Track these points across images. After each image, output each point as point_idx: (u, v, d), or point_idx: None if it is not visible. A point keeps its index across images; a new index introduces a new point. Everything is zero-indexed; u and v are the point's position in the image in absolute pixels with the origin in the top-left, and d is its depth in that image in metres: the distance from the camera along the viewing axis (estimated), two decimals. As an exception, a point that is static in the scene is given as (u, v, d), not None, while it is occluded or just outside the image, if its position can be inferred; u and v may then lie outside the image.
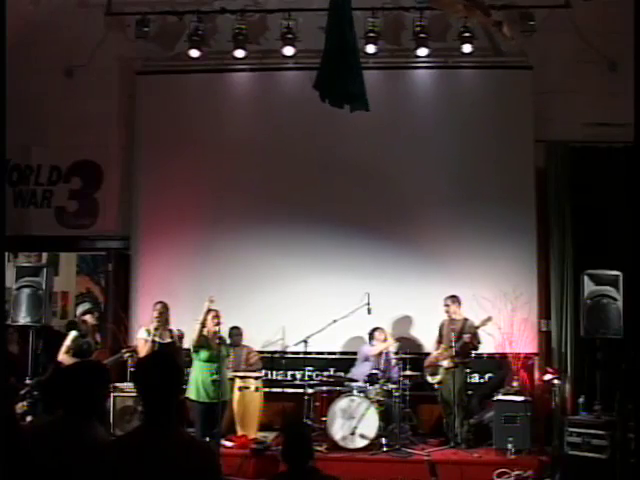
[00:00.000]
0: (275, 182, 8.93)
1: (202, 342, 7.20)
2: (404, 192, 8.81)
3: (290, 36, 8.60)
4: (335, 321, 8.04)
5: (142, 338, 7.51)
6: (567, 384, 8.25)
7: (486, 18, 7.71)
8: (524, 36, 8.49)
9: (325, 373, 8.50)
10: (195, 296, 8.00)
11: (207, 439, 6.70)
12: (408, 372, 7.83)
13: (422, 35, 8.57)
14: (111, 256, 9.35)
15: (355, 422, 7.38)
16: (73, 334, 7.60)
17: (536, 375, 8.43)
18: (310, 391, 7.93)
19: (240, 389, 7.94)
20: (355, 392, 7.61)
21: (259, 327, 8.60)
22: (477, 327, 7.77)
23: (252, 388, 7.98)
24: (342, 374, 8.37)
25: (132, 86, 9.21)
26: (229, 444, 7.58)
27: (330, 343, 8.49)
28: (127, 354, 7.73)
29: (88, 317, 7.85)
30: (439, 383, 7.93)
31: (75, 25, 9.08)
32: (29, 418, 6.82)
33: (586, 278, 7.67)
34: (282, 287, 8.75)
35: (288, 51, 8.67)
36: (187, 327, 7.52)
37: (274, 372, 8.73)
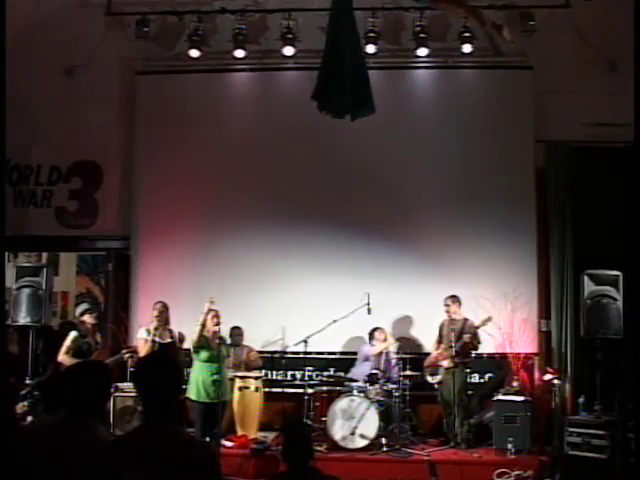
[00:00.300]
0: (275, 182, 8.93)
1: (202, 343, 7.21)
2: (404, 192, 8.82)
3: (290, 36, 8.60)
4: (335, 321, 8.04)
5: (142, 338, 7.52)
6: (567, 384, 8.25)
7: (483, 27, 7.70)
8: (524, 36, 8.49)
9: (325, 373, 8.51)
10: (195, 296, 8.01)
11: (207, 439, 6.70)
12: (408, 372, 7.83)
13: (422, 35, 8.57)
14: (111, 256, 9.35)
15: (355, 422, 7.38)
16: (73, 334, 7.60)
17: (536, 375, 8.43)
18: (310, 391, 7.93)
19: (240, 389, 7.94)
20: (355, 392, 7.61)
21: (259, 327, 8.59)
22: (477, 327, 7.77)
23: (252, 388, 7.98)
24: (342, 374, 8.38)
25: (132, 86, 9.21)
26: (229, 444, 7.58)
27: (330, 343, 8.49)
28: (127, 354, 7.74)
29: (86, 317, 7.85)
30: (439, 383, 7.93)
31: (75, 25, 9.08)
32: (29, 418, 6.82)
33: (586, 278, 7.68)
34: (282, 287, 8.75)
35: (288, 51, 8.67)
36: (187, 327, 7.52)
37: (274, 372, 8.73)
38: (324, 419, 7.49)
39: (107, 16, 8.92)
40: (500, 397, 7.78)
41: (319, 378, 8.27)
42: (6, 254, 9.13)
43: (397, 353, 8.13)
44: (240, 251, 8.82)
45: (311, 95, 5.49)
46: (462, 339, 7.71)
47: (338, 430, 7.40)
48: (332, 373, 8.56)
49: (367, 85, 5.44)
